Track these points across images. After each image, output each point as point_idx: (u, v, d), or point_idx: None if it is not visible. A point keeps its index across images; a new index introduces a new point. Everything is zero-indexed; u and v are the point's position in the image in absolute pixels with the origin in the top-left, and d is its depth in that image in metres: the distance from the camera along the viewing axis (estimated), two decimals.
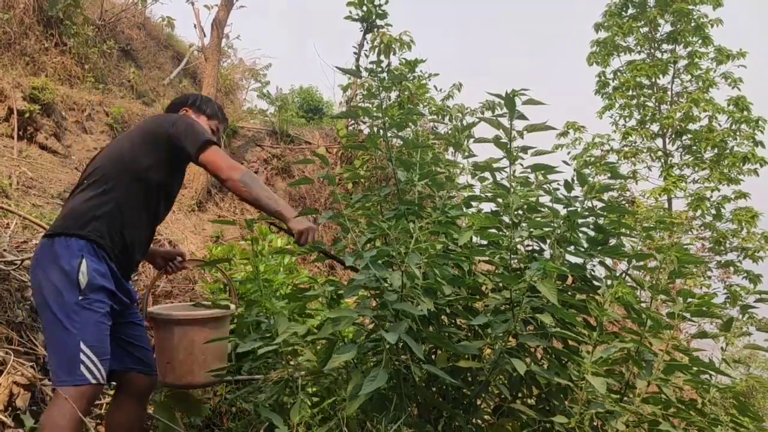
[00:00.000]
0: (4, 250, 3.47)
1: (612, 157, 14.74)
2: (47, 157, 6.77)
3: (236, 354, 2.83)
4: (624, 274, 2.60)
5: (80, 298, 2.25)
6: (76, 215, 2.38)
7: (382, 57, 9.29)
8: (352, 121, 9.26)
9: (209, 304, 2.92)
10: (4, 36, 7.72)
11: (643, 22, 15.09)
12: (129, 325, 2.58)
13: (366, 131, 9.04)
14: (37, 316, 3.34)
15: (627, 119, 15.39)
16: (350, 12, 9.75)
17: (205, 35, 10.08)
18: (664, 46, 15.24)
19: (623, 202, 12.25)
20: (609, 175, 2.72)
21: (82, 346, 2.22)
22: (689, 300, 2.29)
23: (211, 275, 3.95)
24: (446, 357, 2.46)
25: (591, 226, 2.57)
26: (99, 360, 2.25)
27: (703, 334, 2.56)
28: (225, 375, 2.83)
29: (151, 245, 2.78)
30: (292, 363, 2.46)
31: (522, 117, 2.53)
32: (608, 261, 2.70)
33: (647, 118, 14.94)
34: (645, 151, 15.04)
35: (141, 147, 2.54)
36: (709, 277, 12.76)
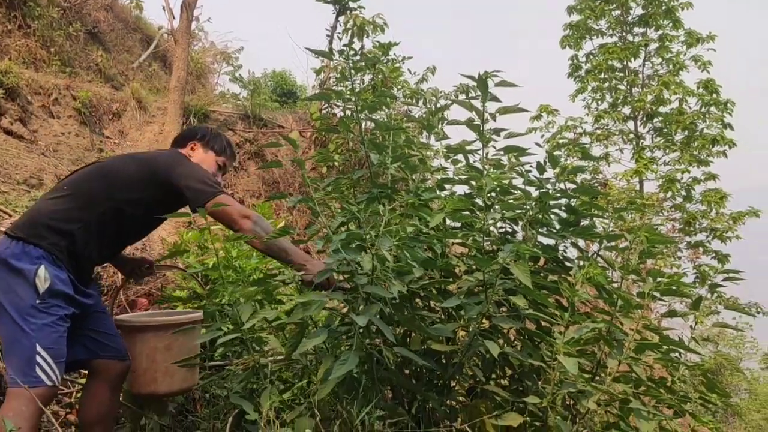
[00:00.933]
0: None
1: (585, 140, 14.86)
2: (12, 143, 6.61)
3: (210, 344, 2.79)
4: (595, 255, 2.63)
5: (38, 301, 2.23)
6: (40, 224, 2.34)
7: (354, 40, 9.20)
8: (326, 105, 9.18)
9: (184, 310, 2.87)
10: None
11: (614, 5, 15.16)
12: (94, 315, 2.54)
13: (340, 115, 8.98)
14: None
15: (599, 102, 15.51)
16: None
17: (174, 18, 9.88)
18: (636, 30, 15.35)
19: (596, 185, 12.37)
20: (581, 156, 2.73)
21: (38, 348, 2.19)
22: (659, 279, 2.31)
23: (182, 262, 3.90)
24: (420, 340, 2.46)
25: (563, 208, 2.59)
26: (55, 362, 2.23)
27: (672, 313, 2.60)
28: (194, 381, 2.79)
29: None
30: (258, 350, 2.44)
31: (495, 99, 2.52)
32: (580, 242, 2.72)
33: (619, 101, 15.07)
34: (617, 133, 15.20)
35: (135, 179, 2.49)
36: (679, 258, 13.01)
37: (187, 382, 2.75)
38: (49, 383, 2.20)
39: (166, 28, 11.08)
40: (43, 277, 2.24)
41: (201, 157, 2.74)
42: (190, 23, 8.93)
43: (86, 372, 2.64)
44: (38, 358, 2.19)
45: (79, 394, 3.07)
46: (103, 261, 2.66)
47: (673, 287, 2.30)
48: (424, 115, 8.61)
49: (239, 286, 2.65)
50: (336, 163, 7.32)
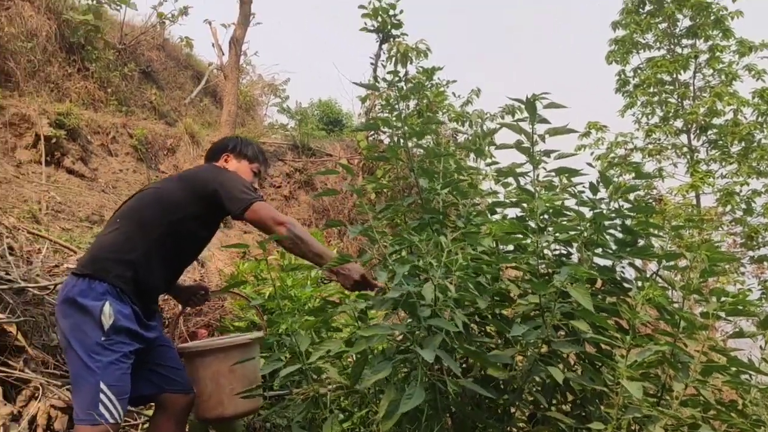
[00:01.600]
0: (37, 276, 3.53)
1: (636, 156, 14.56)
2: (75, 181, 6.89)
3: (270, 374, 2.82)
4: (654, 275, 2.56)
5: (102, 338, 2.30)
6: (103, 259, 2.42)
7: (398, 66, 9.30)
8: (372, 132, 9.28)
9: (241, 333, 2.92)
10: (29, 64, 7.90)
11: (661, 18, 14.91)
12: (158, 348, 2.61)
13: (387, 141, 9.05)
14: None
15: (649, 116, 15.20)
16: (365, 23, 9.80)
17: (223, 53, 10.21)
18: (684, 41, 15.04)
19: (650, 201, 12.08)
20: (634, 175, 2.68)
21: (102, 386, 2.26)
22: (723, 299, 2.24)
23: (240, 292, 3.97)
24: (478, 366, 2.44)
25: (618, 228, 2.54)
26: (118, 400, 2.29)
27: (739, 334, 2.50)
28: (259, 402, 2.82)
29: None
30: (318, 379, 2.46)
31: (544, 121, 2.52)
32: (637, 262, 2.66)
33: (670, 114, 14.74)
34: (670, 147, 14.84)
35: (181, 197, 2.56)
36: (743, 274, 12.52)
37: (252, 403, 2.78)
38: (111, 421, 2.26)
39: (215, 64, 11.44)
40: (107, 313, 2.31)
41: (235, 166, 2.79)
42: (239, 58, 9.20)
43: (152, 404, 2.71)
44: (102, 396, 2.24)
45: (145, 425, 3.14)
46: (167, 286, 2.72)
47: (739, 306, 2.23)
48: (470, 138, 8.61)
49: (295, 315, 2.68)
50: (385, 190, 7.37)
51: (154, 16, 10.58)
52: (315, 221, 9.08)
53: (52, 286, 3.43)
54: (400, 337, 2.44)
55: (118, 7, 9.42)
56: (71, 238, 5.12)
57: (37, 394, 2.87)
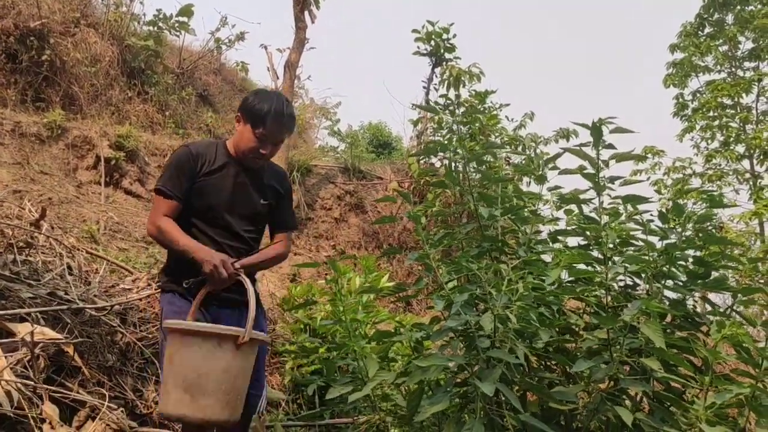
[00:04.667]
0: (95, 296, 3.57)
1: (695, 182, 14.11)
2: (132, 202, 7.04)
3: (320, 399, 2.76)
4: (729, 310, 2.41)
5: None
6: (160, 270, 2.63)
7: (452, 90, 9.26)
8: (423, 156, 9.23)
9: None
10: (92, 88, 8.15)
11: (721, 41, 14.54)
12: None
13: (438, 165, 8.99)
14: (126, 360, 3.41)
15: (709, 141, 14.74)
16: (418, 47, 9.81)
17: (278, 77, 10.36)
18: (746, 64, 14.63)
19: (711, 229, 11.65)
20: (708, 203, 2.53)
21: None
22: None
23: (292, 316, 3.95)
24: (538, 400, 2.33)
25: (690, 259, 2.41)
26: None
27: None
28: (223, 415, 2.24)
29: None
30: (382, 408, 2.39)
31: (610, 147, 2.42)
32: (711, 296, 2.51)
33: (731, 139, 14.25)
34: (731, 173, 14.34)
35: None
36: None
37: (201, 411, 2.14)
38: None
39: (270, 88, 11.61)
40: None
41: (240, 129, 2.61)
42: (293, 82, 9.33)
43: None
44: None
45: None
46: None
47: None
48: (523, 162, 8.48)
49: (350, 339, 2.62)
50: (437, 216, 7.29)
51: (211, 42, 10.83)
52: (365, 244, 9.05)
53: (108, 307, 3.47)
54: (456, 366, 2.35)
55: (178, 33, 9.68)
56: (127, 258, 5.20)
57: (93, 415, 2.88)
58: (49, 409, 2.65)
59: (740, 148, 14.30)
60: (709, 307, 2.53)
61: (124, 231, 6.23)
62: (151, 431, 3.07)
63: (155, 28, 9.32)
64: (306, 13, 9.05)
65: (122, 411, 2.95)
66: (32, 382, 2.70)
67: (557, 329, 2.43)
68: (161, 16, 9.31)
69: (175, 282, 2.50)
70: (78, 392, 2.87)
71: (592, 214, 2.57)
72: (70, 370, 3.03)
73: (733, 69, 14.78)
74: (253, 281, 2.66)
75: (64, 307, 3.20)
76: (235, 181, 2.60)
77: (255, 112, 2.55)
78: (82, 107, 7.94)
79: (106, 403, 2.83)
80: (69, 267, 3.85)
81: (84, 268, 4.02)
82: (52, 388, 2.78)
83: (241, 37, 10.67)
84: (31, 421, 2.53)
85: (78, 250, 4.21)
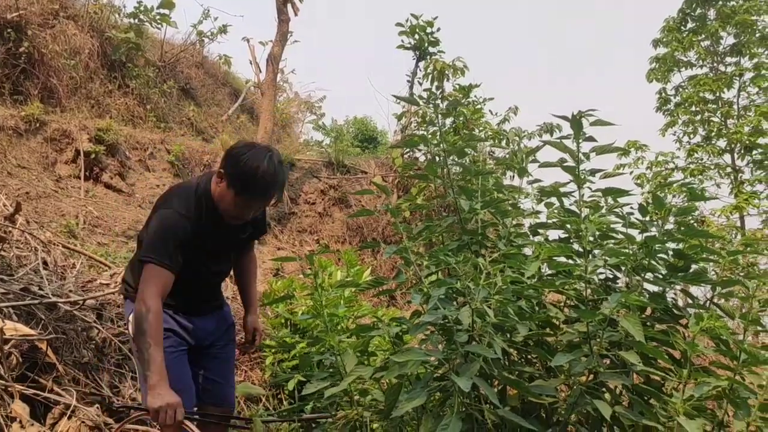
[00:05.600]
0: (70, 291, 3.50)
1: (677, 175, 14.21)
2: (112, 196, 6.95)
3: (299, 394, 2.73)
4: (708, 303, 2.41)
5: None
6: (129, 282, 2.53)
7: (435, 83, 9.24)
8: (408, 149, 9.20)
9: None
10: (71, 81, 8.03)
11: (703, 36, 14.64)
12: (211, 359, 2.63)
13: (422, 159, 8.97)
14: (102, 356, 3.36)
15: (691, 136, 14.86)
16: (402, 41, 9.77)
17: (260, 71, 10.29)
18: (728, 59, 14.74)
19: (692, 222, 11.74)
20: (688, 196, 2.53)
21: None
22: None
23: (272, 310, 3.92)
24: (518, 394, 2.31)
25: (670, 252, 2.40)
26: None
27: None
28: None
29: None
30: (360, 403, 2.36)
31: (590, 139, 2.40)
32: (692, 289, 2.51)
33: (713, 133, 14.40)
34: (713, 167, 14.47)
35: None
36: None
37: None
38: None
39: (253, 82, 11.53)
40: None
41: (222, 192, 2.35)
42: (276, 75, 9.24)
43: None
44: None
45: None
46: (202, 291, 2.63)
47: None
48: (507, 156, 8.46)
49: (328, 334, 2.58)
50: (420, 209, 7.27)
51: (193, 35, 10.71)
52: (349, 238, 9.01)
53: (81, 301, 3.40)
54: (436, 361, 2.33)
55: (159, 26, 9.55)
56: (107, 252, 5.13)
57: (67, 412, 2.83)
58: (19, 408, 2.60)
59: (722, 143, 14.44)
60: (690, 300, 2.53)
61: (104, 225, 6.15)
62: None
63: (136, 21, 9.19)
64: (289, 5, 8.96)
65: (98, 407, 2.90)
66: (2, 381, 2.64)
67: (537, 323, 2.42)
68: (142, 8, 9.17)
69: None
70: (52, 389, 2.81)
71: (573, 207, 2.56)
72: (45, 366, 2.98)
73: (715, 64, 14.90)
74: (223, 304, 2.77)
75: (36, 301, 3.13)
76: (217, 230, 2.45)
77: (242, 179, 2.28)
78: (61, 100, 7.82)
79: (73, 402, 2.77)
80: (44, 262, 3.78)
81: (60, 263, 3.96)
82: (21, 387, 2.72)
83: (223, 30, 10.58)
84: (0, 420, 2.48)
85: (54, 244, 4.14)
